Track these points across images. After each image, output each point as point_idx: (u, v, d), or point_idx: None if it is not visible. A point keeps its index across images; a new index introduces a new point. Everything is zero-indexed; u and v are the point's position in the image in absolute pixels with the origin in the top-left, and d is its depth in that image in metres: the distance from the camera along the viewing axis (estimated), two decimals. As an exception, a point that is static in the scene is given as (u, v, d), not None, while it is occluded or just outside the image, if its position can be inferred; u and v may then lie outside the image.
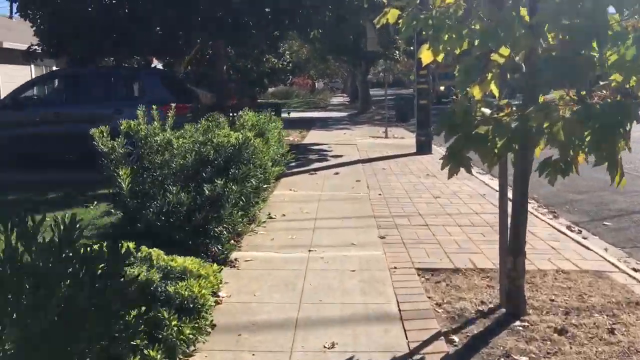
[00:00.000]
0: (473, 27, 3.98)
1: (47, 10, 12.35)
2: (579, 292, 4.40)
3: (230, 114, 10.64)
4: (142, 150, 4.86)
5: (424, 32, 3.98)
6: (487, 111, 3.76)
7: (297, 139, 16.81)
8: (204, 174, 4.80)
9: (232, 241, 5.54)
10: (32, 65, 19.11)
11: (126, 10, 13.16)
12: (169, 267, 3.64)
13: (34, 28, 12.87)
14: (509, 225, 4.09)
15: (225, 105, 13.72)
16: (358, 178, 9.60)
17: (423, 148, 13.17)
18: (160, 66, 16.47)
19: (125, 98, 10.36)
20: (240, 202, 5.07)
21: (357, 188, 8.73)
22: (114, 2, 13.20)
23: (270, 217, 6.74)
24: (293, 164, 10.18)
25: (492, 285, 4.56)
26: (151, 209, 4.41)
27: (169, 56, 14.67)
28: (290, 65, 30.97)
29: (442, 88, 29.69)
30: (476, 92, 4.13)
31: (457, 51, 4.08)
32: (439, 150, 13.33)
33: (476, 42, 3.88)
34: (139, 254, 3.72)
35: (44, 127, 10.42)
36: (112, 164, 4.65)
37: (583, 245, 5.65)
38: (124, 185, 4.49)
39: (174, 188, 4.46)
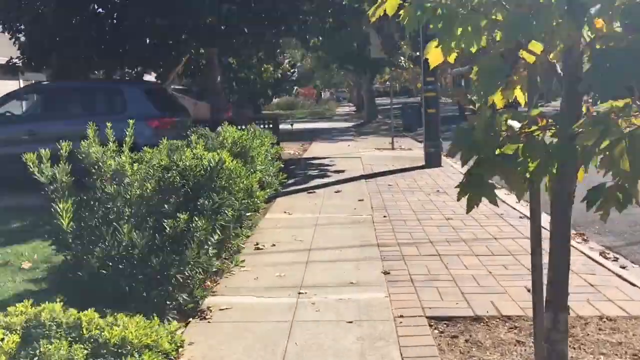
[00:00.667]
0: (494, 17, 3.15)
1: (26, 19, 11.53)
2: (633, 350, 3.50)
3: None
4: (92, 179, 4.00)
5: (431, 25, 3.11)
6: (516, 125, 2.89)
7: (298, 153, 15.93)
8: (166, 206, 3.93)
9: (208, 282, 4.67)
10: (20, 80, 18.33)
11: (114, 20, 12.40)
12: (102, 338, 2.77)
13: (12, 39, 12.08)
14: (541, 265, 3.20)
15: (220, 118, 12.88)
16: (361, 197, 8.69)
17: (432, 160, 12.25)
18: (153, 78, 15.69)
19: (105, 113, 9.48)
20: (215, 237, 4.20)
21: (359, 209, 7.83)
22: (100, 11, 12.42)
23: (258, 248, 5.86)
24: (291, 181, 9.33)
25: (522, 340, 3.66)
26: (96, 253, 3.54)
27: (161, 67, 13.84)
28: (295, 75, 30.16)
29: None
30: (498, 100, 3.28)
31: (473, 49, 3.23)
32: (449, 162, 12.42)
33: (498, 36, 3.05)
34: (65, 319, 2.85)
35: (17, 146, 9.50)
36: (53, 195, 3.79)
37: (625, 280, 4.75)
38: (64, 223, 3.63)
39: (126, 226, 3.59)
